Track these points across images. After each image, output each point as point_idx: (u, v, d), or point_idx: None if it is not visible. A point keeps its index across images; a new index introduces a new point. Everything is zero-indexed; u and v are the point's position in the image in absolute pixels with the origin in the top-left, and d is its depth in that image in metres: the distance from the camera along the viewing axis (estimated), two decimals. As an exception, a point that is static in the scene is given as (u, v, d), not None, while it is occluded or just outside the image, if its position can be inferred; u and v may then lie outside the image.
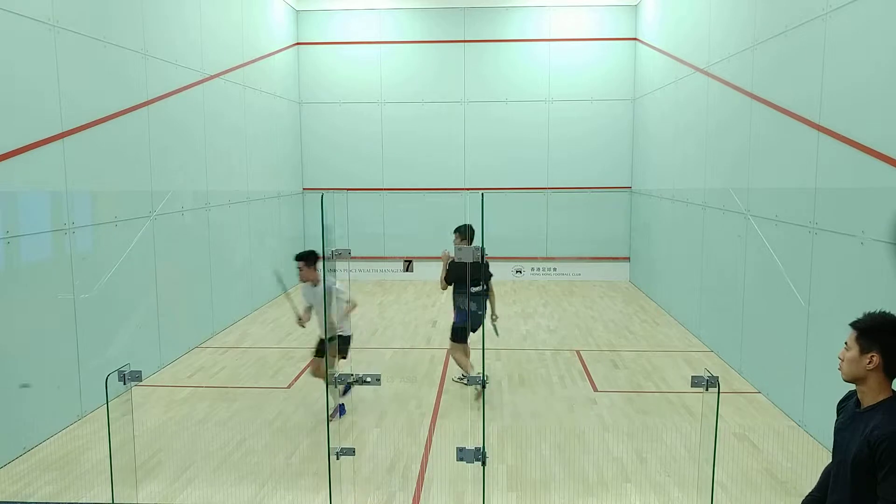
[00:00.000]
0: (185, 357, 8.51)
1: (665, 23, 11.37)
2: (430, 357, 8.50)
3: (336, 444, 4.58)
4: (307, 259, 6.40)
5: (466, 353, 7.21)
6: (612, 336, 9.51)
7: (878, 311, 2.58)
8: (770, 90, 6.98)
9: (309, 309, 6.58)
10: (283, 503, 4.94)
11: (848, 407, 2.67)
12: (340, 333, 6.31)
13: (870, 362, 2.51)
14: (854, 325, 2.61)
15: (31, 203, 6.05)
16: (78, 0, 6.53)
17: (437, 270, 7.15)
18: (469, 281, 6.73)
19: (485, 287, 6.95)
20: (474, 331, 6.97)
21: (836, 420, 2.71)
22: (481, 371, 4.80)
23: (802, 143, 6.19)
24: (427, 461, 5.57)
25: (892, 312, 2.56)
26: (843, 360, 2.62)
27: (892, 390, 2.55)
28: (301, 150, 14.00)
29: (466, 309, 6.87)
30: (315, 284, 6.42)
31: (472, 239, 6.89)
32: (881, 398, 2.52)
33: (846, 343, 2.62)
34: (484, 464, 4.26)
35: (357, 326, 9.88)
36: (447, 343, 8.97)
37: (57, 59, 6.18)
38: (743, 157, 7.64)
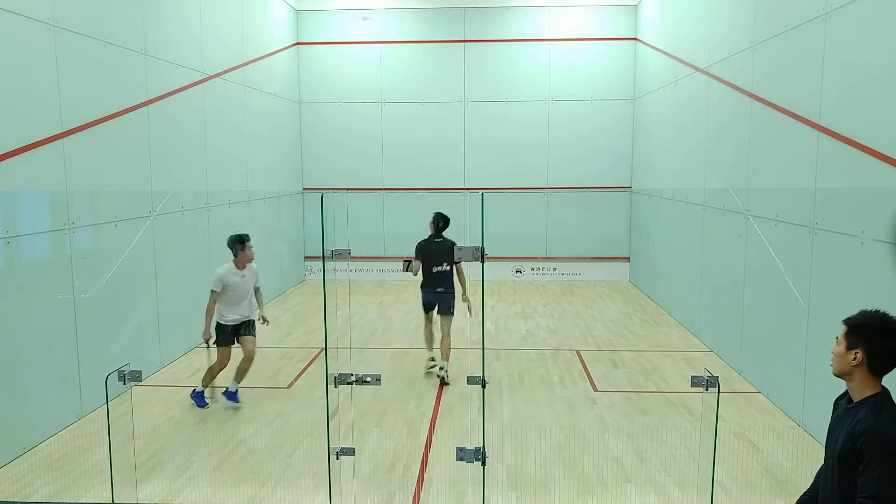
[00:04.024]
0: (185, 357, 8.51)
1: (665, 23, 11.37)
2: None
3: (336, 444, 4.58)
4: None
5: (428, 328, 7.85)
6: (612, 336, 9.51)
7: (871, 310, 2.59)
8: (770, 90, 6.98)
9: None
10: (283, 503, 4.94)
11: (841, 403, 2.69)
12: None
13: (854, 358, 2.56)
14: (845, 321, 2.65)
15: (31, 203, 6.06)
16: (78, 0, 6.53)
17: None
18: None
19: (447, 267, 7.58)
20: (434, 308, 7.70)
21: (831, 416, 2.73)
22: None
23: (802, 143, 6.19)
24: (427, 461, 5.57)
25: (886, 312, 2.56)
26: (833, 355, 2.66)
27: (882, 386, 2.58)
28: (301, 150, 14.00)
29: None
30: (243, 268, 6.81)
31: (440, 227, 7.68)
32: (868, 394, 2.55)
33: (837, 338, 2.66)
34: (484, 464, 4.27)
35: (357, 326, 9.86)
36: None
37: (57, 59, 6.18)
38: (743, 157, 7.64)
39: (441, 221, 7.66)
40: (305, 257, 13.96)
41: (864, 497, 2.41)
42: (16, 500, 4.96)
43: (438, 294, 7.53)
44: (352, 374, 4.52)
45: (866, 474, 2.41)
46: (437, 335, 7.69)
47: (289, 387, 7.45)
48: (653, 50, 12.06)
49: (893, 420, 2.45)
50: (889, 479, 2.38)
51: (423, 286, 7.69)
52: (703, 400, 4.10)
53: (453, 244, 7.24)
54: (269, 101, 12.03)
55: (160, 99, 8.06)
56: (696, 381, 3.88)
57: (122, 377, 4.16)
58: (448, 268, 7.52)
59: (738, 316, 7.73)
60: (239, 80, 10.55)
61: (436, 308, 7.62)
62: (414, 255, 7.60)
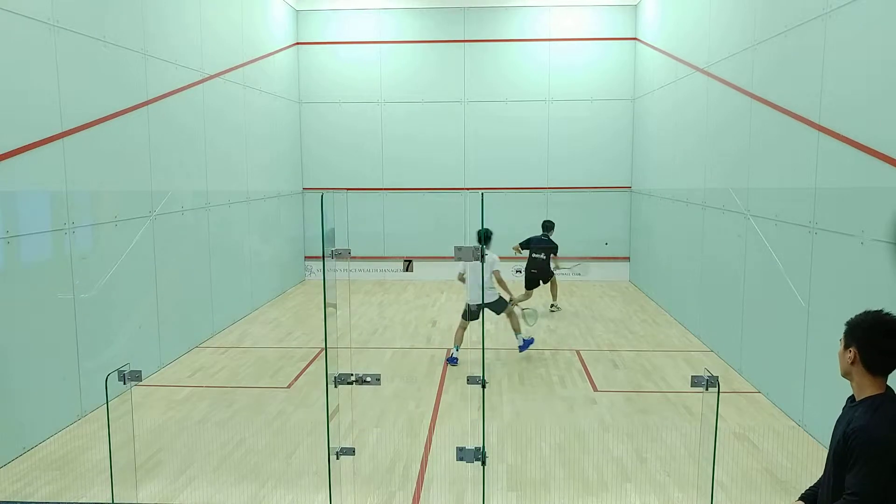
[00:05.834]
0: (185, 357, 8.51)
1: (665, 23, 11.36)
2: (430, 357, 8.50)
3: (336, 444, 4.58)
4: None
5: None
6: (612, 336, 9.51)
7: (872, 310, 2.62)
8: (770, 90, 6.98)
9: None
10: (283, 503, 4.94)
11: (848, 403, 2.72)
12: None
13: (850, 357, 2.59)
14: (847, 322, 2.68)
15: (31, 203, 6.05)
16: (78, 0, 6.53)
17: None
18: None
19: (543, 256, 10.89)
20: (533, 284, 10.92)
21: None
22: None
23: (802, 143, 6.19)
24: (427, 461, 5.57)
25: (888, 312, 2.58)
26: (838, 355, 2.71)
27: (888, 387, 2.58)
28: (301, 150, 13.99)
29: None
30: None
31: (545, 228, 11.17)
32: (868, 394, 2.58)
33: (840, 339, 2.70)
34: (484, 464, 4.27)
35: (357, 326, 9.86)
36: (447, 343, 9.00)
37: (57, 59, 6.18)
38: (743, 157, 7.64)
39: (546, 224, 11.21)
40: (305, 257, 13.96)
41: (849, 494, 2.46)
42: (16, 500, 4.96)
43: (532, 273, 10.80)
44: (352, 374, 4.52)
45: (853, 472, 2.46)
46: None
47: (289, 387, 7.45)
48: (652, 50, 12.06)
49: (886, 421, 2.48)
50: (874, 477, 2.43)
51: (526, 268, 11.04)
52: (703, 400, 4.10)
53: (551, 242, 10.98)
54: (269, 100, 12.03)
55: (160, 99, 8.06)
56: (696, 381, 3.87)
57: (122, 377, 4.16)
58: (543, 256, 10.79)
59: (737, 316, 7.73)
60: (239, 79, 10.55)
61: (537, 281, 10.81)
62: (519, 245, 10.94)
